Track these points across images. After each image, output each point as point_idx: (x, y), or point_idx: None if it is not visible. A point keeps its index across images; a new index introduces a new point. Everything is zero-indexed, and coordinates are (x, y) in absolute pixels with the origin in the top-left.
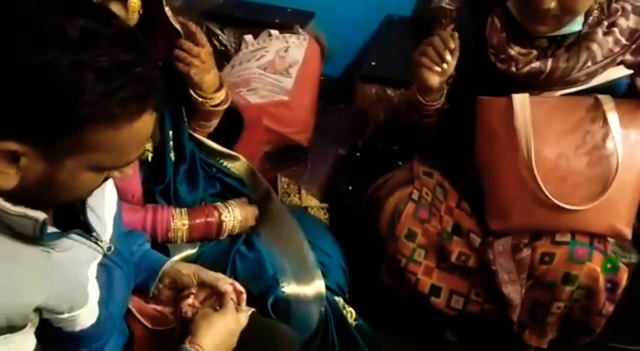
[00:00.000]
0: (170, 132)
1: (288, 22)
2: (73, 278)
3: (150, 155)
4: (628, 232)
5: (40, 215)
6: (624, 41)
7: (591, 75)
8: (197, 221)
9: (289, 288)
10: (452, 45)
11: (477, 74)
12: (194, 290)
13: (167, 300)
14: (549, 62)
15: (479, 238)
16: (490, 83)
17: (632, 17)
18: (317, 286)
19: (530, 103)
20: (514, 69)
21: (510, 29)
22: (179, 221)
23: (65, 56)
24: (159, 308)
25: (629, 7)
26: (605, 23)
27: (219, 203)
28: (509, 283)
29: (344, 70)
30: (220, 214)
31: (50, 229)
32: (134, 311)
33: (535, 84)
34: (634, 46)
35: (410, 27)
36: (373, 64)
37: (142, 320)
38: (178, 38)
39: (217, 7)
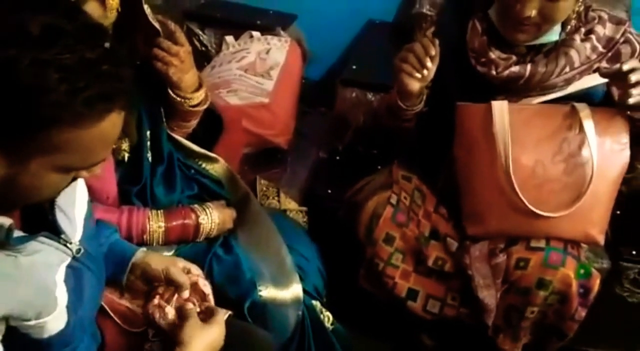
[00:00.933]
0: (148, 132)
1: (270, 24)
2: (41, 283)
3: (126, 155)
4: (601, 239)
5: (6, 221)
6: (600, 48)
7: (569, 81)
8: (174, 223)
9: (267, 292)
10: (433, 52)
11: (457, 78)
12: (160, 290)
13: (139, 291)
14: (528, 67)
15: (455, 243)
16: (470, 87)
17: (608, 25)
18: (294, 290)
19: (509, 110)
20: (494, 72)
21: (491, 34)
22: (155, 223)
23: (26, 54)
24: (131, 306)
25: (605, 15)
26: (583, 30)
27: (196, 206)
28: (484, 287)
29: (325, 73)
30: (197, 216)
31: (17, 233)
32: (106, 308)
33: (514, 89)
34: (610, 53)
35: (392, 32)
36: (354, 67)
37: (114, 317)
38: (157, 37)
39: (198, 7)
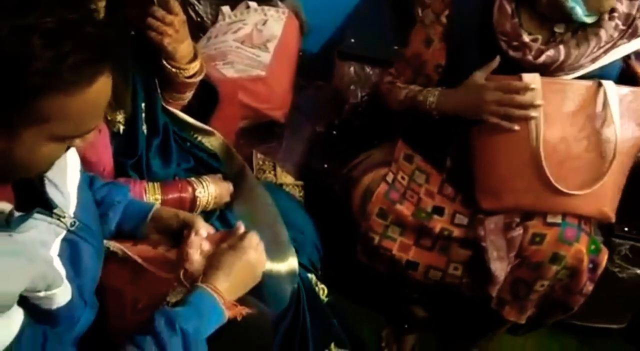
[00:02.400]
0: (143, 104)
1: None
2: (41, 257)
3: (121, 128)
4: (613, 215)
5: (6, 207)
6: (621, 25)
7: (595, 60)
8: (170, 196)
9: None
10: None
11: (481, 60)
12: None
13: (155, 242)
14: (562, 50)
15: (466, 218)
16: (496, 69)
17: (624, 1)
18: (290, 263)
19: (542, 81)
20: (529, 57)
21: (521, 15)
22: (152, 195)
23: (5, 23)
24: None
25: None
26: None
27: (193, 179)
28: (497, 260)
29: (323, 45)
30: (194, 189)
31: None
32: (125, 250)
33: (544, 71)
34: (630, 30)
35: (390, 6)
36: (352, 40)
37: (149, 268)
38: (150, 6)
39: None
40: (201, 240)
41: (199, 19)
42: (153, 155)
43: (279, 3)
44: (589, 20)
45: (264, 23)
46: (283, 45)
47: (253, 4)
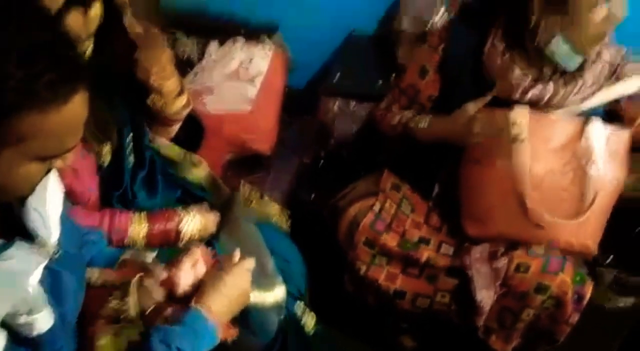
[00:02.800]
0: (129, 137)
1: (254, 32)
2: (23, 284)
3: (108, 160)
4: (595, 250)
5: None
6: (606, 71)
7: (583, 99)
8: (156, 226)
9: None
10: None
11: (472, 94)
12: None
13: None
14: (549, 87)
15: (452, 248)
16: (488, 103)
17: (610, 48)
18: (276, 293)
19: (530, 116)
20: (517, 94)
21: (512, 55)
22: (137, 226)
23: None
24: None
25: (607, 39)
26: (594, 54)
27: (179, 209)
28: (483, 289)
29: (308, 82)
30: (180, 220)
31: None
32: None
33: (532, 107)
34: (615, 75)
35: (373, 44)
36: (336, 78)
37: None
38: (137, 45)
39: (182, 15)
40: (194, 261)
41: (186, 56)
42: (138, 187)
43: (266, 40)
44: (573, 64)
45: (251, 60)
46: (269, 81)
47: (240, 41)
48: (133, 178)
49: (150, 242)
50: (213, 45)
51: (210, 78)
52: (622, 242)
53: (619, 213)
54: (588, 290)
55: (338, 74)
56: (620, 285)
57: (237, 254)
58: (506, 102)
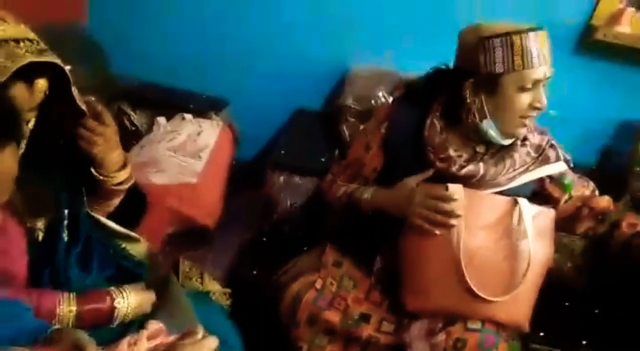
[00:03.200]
0: (66, 211)
1: (202, 107)
2: None
3: (41, 235)
4: (526, 326)
5: None
6: (532, 153)
7: (510, 180)
8: (86, 307)
9: None
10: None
11: (413, 168)
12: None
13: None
14: (481, 166)
15: (392, 325)
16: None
17: (535, 134)
18: None
19: (465, 192)
20: (453, 169)
21: (448, 133)
22: (66, 307)
23: None
24: None
25: (531, 125)
26: (521, 137)
27: (112, 288)
28: None
29: (255, 155)
30: (112, 300)
31: None
32: None
33: (466, 184)
34: (540, 158)
35: (319, 120)
36: (283, 152)
37: None
38: (82, 116)
39: (131, 88)
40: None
41: (133, 128)
42: (72, 263)
43: (213, 116)
44: (504, 142)
45: (199, 133)
46: (216, 154)
47: (188, 116)
48: (67, 255)
49: (81, 323)
50: (161, 119)
51: (156, 150)
52: (552, 317)
53: (549, 289)
54: None
55: (284, 148)
56: None
57: (200, 331)
58: (440, 179)
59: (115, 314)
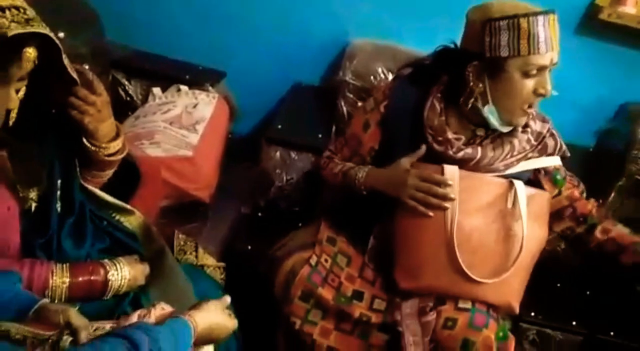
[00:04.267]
0: (59, 181)
1: (198, 79)
2: None
3: (34, 205)
4: (517, 308)
5: None
6: (532, 141)
7: (508, 166)
8: (80, 279)
9: None
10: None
11: (410, 148)
12: None
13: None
14: (479, 150)
15: (384, 302)
16: (422, 158)
17: (537, 121)
18: (205, 350)
19: (459, 173)
20: (450, 152)
21: (448, 115)
22: (59, 278)
23: None
24: None
25: (534, 112)
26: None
27: (106, 260)
28: (413, 345)
29: (251, 129)
30: (106, 272)
31: None
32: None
33: (463, 167)
34: (539, 146)
35: (316, 95)
36: (279, 127)
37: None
38: (74, 85)
39: (125, 58)
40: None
41: (128, 98)
42: (65, 235)
43: (210, 88)
44: (503, 129)
45: (194, 106)
46: (212, 128)
47: (184, 88)
48: (60, 224)
49: (74, 294)
50: (156, 90)
51: (151, 122)
52: (544, 297)
53: (540, 269)
54: (510, 346)
55: (281, 123)
56: (543, 340)
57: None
58: (437, 161)
59: (109, 286)
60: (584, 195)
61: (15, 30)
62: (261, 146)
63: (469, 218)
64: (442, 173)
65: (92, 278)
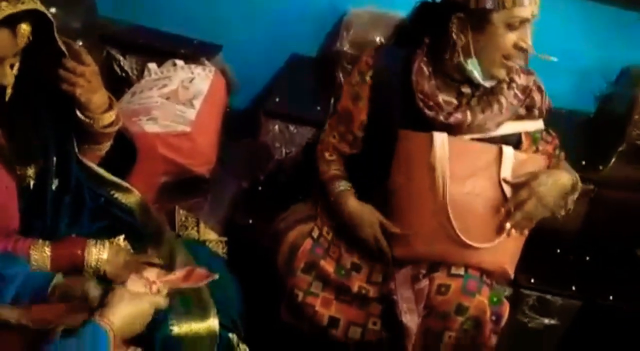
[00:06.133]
0: (55, 158)
1: (194, 53)
2: None
3: (31, 182)
4: (512, 273)
5: None
6: (520, 95)
7: (499, 124)
8: (60, 251)
9: (179, 326)
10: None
11: (401, 114)
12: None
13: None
14: (468, 114)
15: (381, 275)
16: (413, 124)
17: (522, 75)
18: (210, 322)
19: (449, 140)
20: (441, 117)
21: (437, 78)
22: (39, 250)
23: None
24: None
25: (518, 66)
26: (507, 79)
27: (90, 240)
28: (407, 312)
29: (249, 103)
30: (84, 248)
31: None
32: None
33: (455, 130)
34: (527, 100)
35: (314, 66)
36: (277, 100)
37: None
38: (62, 58)
39: (120, 33)
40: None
41: (123, 74)
42: (62, 214)
43: (206, 62)
44: (486, 84)
45: (191, 80)
46: (209, 102)
47: (180, 62)
48: (58, 203)
49: (58, 266)
50: (152, 65)
51: (148, 97)
52: (543, 263)
53: (540, 236)
54: (505, 311)
55: (279, 96)
56: (543, 305)
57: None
58: (428, 126)
59: (85, 263)
60: (557, 151)
61: (7, 10)
62: (260, 120)
63: (461, 184)
64: (432, 140)
65: (73, 251)
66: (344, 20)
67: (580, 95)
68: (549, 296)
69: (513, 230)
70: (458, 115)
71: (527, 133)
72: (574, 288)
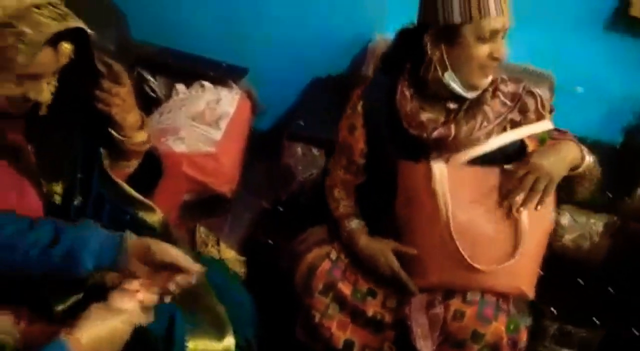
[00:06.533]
0: (79, 176)
1: (222, 76)
2: None
3: (58, 198)
4: (531, 293)
5: None
6: (508, 102)
7: (488, 134)
8: None
9: (194, 344)
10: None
11: (393, 139)
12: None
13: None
14: (452, 127)
15: (395, 301)
16: (406, 146)
17: (509, 83)
18: (226, 342)
19: (447, 170)
20: (425, 134)
21: (419, 98)
22: None
23: None
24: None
25: (505, 76)
26: (490, 89)
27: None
28: (422, 338)
29: (273, 125)
30: None
31: None
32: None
33: (444, 146)
34: (518, 105)
35: (338, 91)
36: (300, 122)
37: None
38: (99, 78)
39: (151, 54)
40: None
41: (153, 95)
42: None
43: (232, 84)
44: (468, 95)
45: (217, 102)
46: (234, 124)
47: (207, 84)
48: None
49: None
50: (180, 86)
51: (175, 118)
52: (565, 294)
53: (563, 265)
54: (522, 337)
55: (303, 119)
56: (564, 336)
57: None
58: (416, 145)
59: None
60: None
61: (54, 27)
62: (283, 142)
63: (464, 210)
64: (430, 172)
65: None
66: (369, 46)
67: (607, 126)
68: (570, 328)
69: (523, 216)
70: (441, 130)
71: (532, 137)
72: (596, 319)
